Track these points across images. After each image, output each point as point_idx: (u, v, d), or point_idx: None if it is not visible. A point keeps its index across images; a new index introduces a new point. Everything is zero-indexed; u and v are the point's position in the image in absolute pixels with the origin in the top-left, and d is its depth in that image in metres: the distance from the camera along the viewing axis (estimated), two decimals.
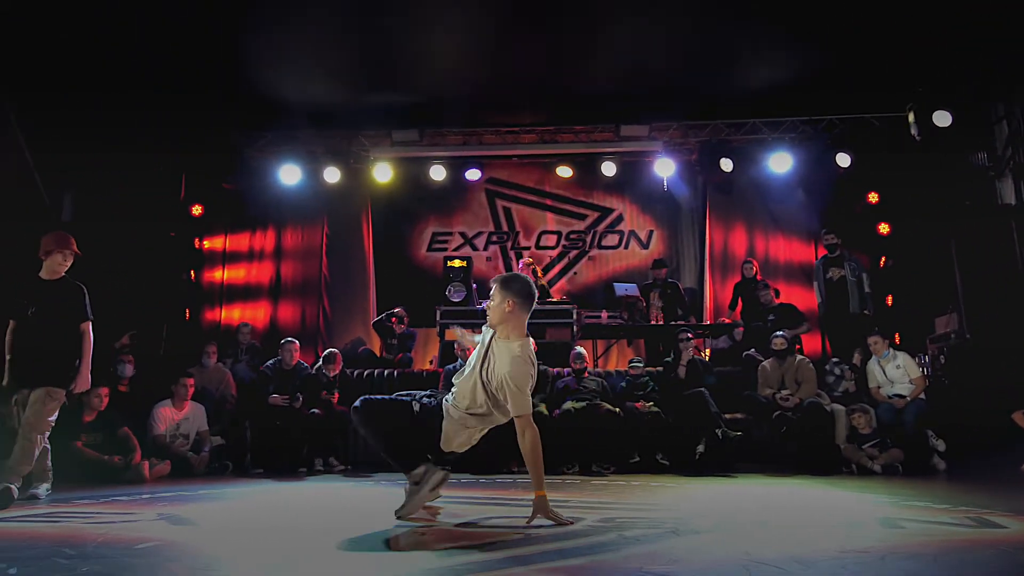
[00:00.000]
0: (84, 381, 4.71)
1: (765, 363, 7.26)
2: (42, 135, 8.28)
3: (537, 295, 3.80)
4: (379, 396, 3.96)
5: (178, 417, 6.64)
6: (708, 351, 8.89)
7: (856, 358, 7.39)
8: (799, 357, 7.22)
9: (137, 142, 9.27)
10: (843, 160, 9.13)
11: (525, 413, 3.47)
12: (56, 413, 4.63)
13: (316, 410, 6.96)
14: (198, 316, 10.41)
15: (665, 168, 9.59)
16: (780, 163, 9.39)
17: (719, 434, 6.55)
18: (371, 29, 8.05)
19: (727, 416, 6.81)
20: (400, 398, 3.88)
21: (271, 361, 7.35)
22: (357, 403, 3.77)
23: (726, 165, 9.48)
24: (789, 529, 3.42)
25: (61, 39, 7.50)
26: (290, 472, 6.64)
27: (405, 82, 9.09)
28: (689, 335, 7.31)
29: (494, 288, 3.72)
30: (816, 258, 9.61)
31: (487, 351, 3.68)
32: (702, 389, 6.81)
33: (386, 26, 7.99)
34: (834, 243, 8.31)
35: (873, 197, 9.50)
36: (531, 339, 3.85)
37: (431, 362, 8.80)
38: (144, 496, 4.73)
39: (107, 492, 4.92)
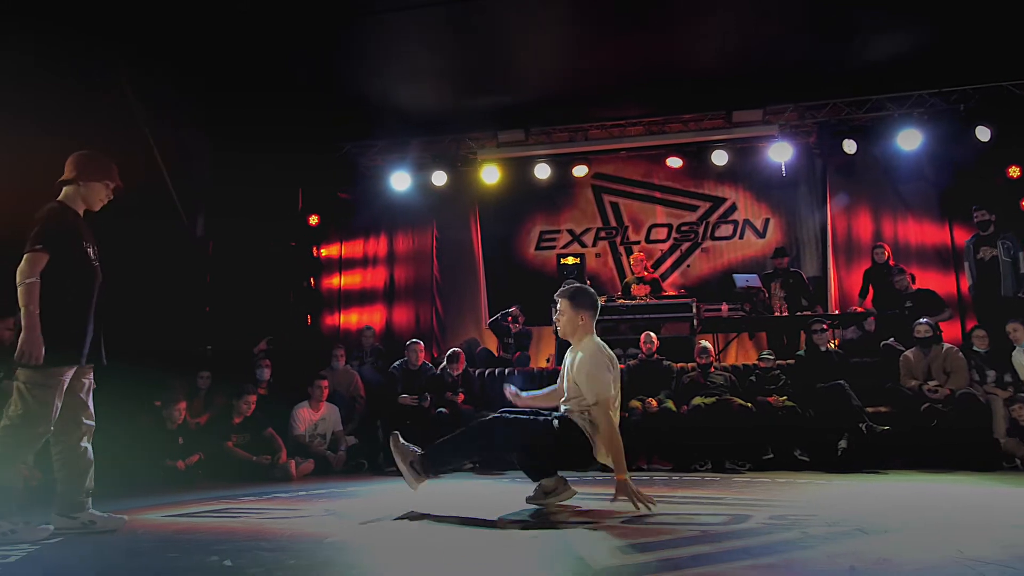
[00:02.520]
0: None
1: (908, 353, 6.83)
2: (176, 163, 8.86)
3: (601, 303, 4.06)
4: (515, 414, 4.08)
5: (315, 418, 6.91)
6: (836, 342, 8.45)
7: (983, 343, 6.83)
8: (946, 346, 6.74)
9: (256, 156, 9.77)
10: (983, 133, 8.46)
11: (600, 400, 3.68)
12: None
13: (443, 409, 7.09)
14: (318, 321, 10.85)
15: (782, 153, 9.20)
16: (909, 140, 8.80)
17: (863, 428, 6.22)
18: (474, 33, 8.15)
19: (869, 409, 6.44)
20: (537, 416, 3.98)
21: (398, 362, 7.53)
22: (496, 421, 3.95)
23: (849, 147, 8.99)
24: (985, 528, 3.18)
25: (185, 65, 7.98)
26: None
27: (509, 83, 9.14)
28: (824, 325, 6.98)
29: (562, 303, 3.96)
30: (951, 240, 9.00)
31: (569, 367, 3.93)
32: (841, 381, 6.47)
33: (488, 28, 8.06)
34: (986, 220, 7.67)
35: (1014, 171, 8.76)
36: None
37: (548, 360, 8.79)
38: (301, 493, 4.94)
39: (265, 489, 5.17)
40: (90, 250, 3.58)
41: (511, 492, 5.02)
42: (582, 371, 3.75)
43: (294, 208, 10.75)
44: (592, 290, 4.08)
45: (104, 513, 3.50)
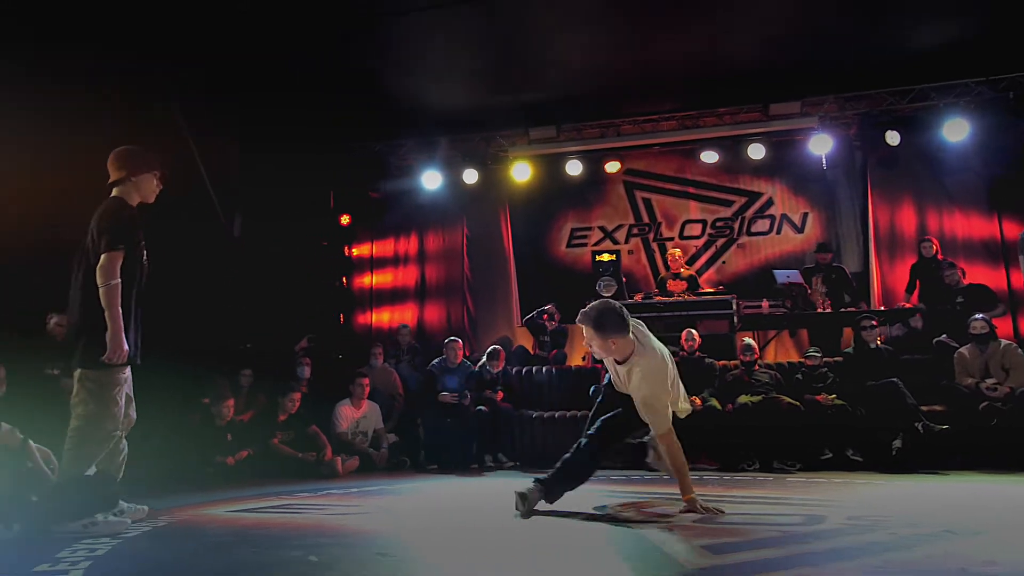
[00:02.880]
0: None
1: (963, 350, 6.64)
2: (213, 165, 8.90)
3: (627, 314, 3.74)
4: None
5: (357, 415, 6.88)
6: (882, 338, 8.26)
7: None
8: (1004, 342, 6.53)
9: (288, 157, 9.79)
10: None
11: (662, 432, 3.64)
12: None
13: (482, 407, 7.03)
14: (351, 320, 10.84)
15: (821, 145, 9.02)
16: (955, 131, 8.58)
17: (919, 428, 6.06)
18: (504, 29, 8.07)
19: (924, 408, 6.28)
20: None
21: (437, 360, 7.48)
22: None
23: (892, 138, 8.79)
24: None
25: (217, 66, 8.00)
26: (463, 468, 6.73)
27: (540, 79, 9.04)
28: (873, 321, 6.82)
29: (587, 332, 3.68)
30: (1000, 233, 8.77)
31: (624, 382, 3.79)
32: (895, 379, 6.32)
33: (519, 25, 7.98)
34: None
35: None
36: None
37: (584, 358, 8.70)
38: (353, 490, 4.90)
39: (317, 486, 5.14)
40: (144, 247, 3.57)
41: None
42: (640, 403, 3.60)
43: (326, 208, 10.75)
44: (616, 306, 3.70)
45: (129, 504, 3.53)
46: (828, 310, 8.04)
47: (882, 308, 8.34)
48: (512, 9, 7.63)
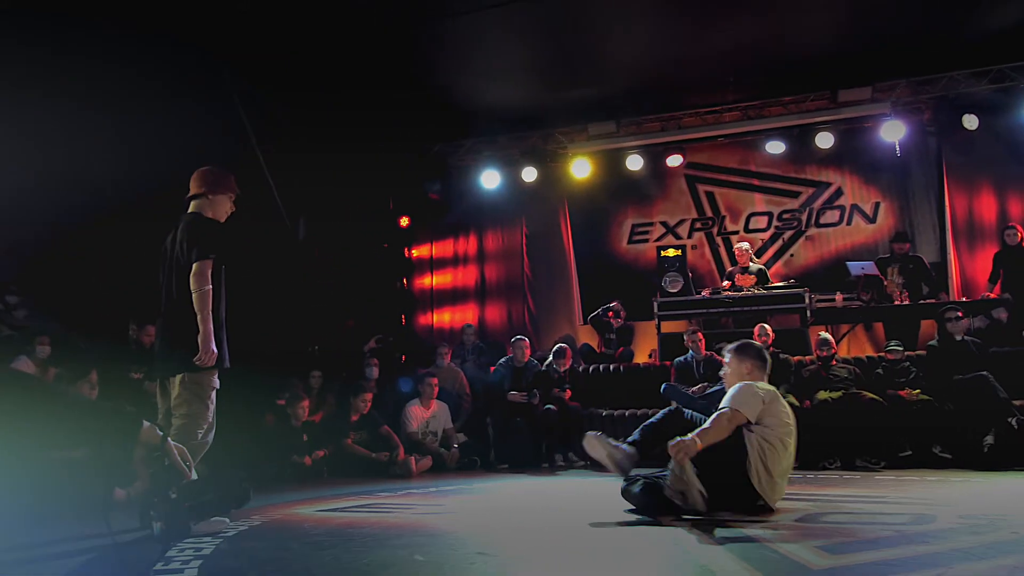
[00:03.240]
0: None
1: None
2: (280, 168, 9.10)
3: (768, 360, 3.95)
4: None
5: (427, 415, 6.92)
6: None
7: None
8: None
9: (351, 160, 9.94)
10: None
11: (731, 407, 3.60)
12: None
13: (551, 406, 6.99)
14: (412, 321, 10.94)
15: (894, 132, 8.70)
16: None
17: (1013, 423, 5.77)
18: (561, 25, 8.01)
19: (1016, 403, 5.98)
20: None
21: (504, 359, 7.48)
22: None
23: (970, 122, 8.42)
24: None
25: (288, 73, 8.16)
26: (534, 467, 6.70)
27: (599, 74, 8.96)
28: (959, 313, 6.53)
29: (729, 356, 3.95)
30: None
31: None
32: (984, 373, 6.04)
33: (576, 20, 7.91)
34: None
35: None
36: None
37: (650, 355, 8.57)
38: (432, 489, 4.92)
39: (395, 486, 5.19)
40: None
41: None
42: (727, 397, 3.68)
43: (385, 210, 10.87)
44: (758, 345, 4.02)
45: None
46: (906, 302, 7.74)
47: (963, 299, 7.98)
48: (568, 4, 7.57)
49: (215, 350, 3.45)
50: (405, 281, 11.00)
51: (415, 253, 11.18)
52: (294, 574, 2.37)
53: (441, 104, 9.33)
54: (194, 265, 3.44)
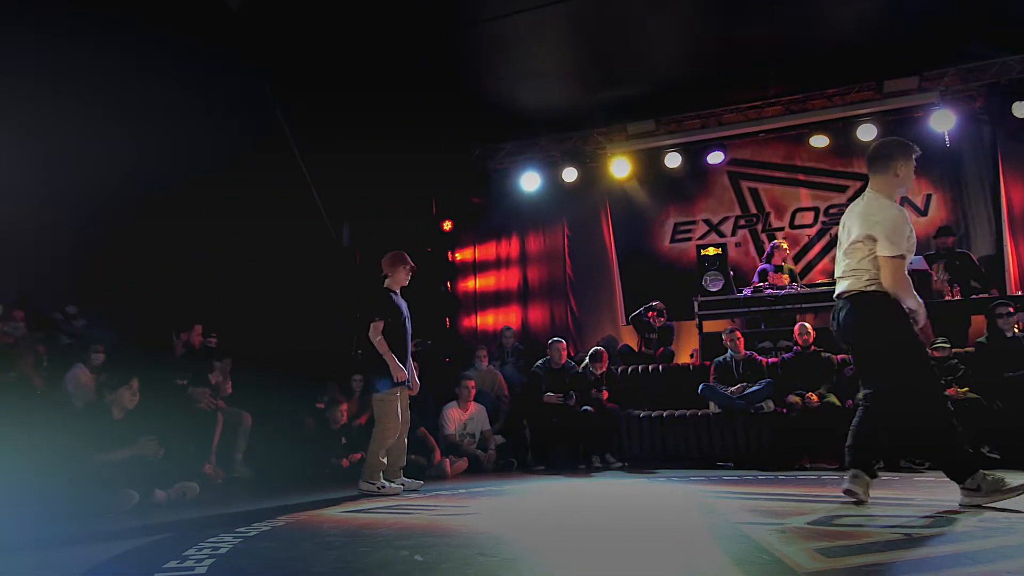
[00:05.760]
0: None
1: None
2: (322, 174, 9.41)
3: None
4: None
5: (464, 417, 7.06)
6: (1020, 326, 7.58)
7: None
8: None
9: (394, 166, 10.19)
10: None
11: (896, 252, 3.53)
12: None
13: (588, 407, 7.03)
14: (456, 323, 11.13)
15: (943, 122, 8.39)
16: None
17: None
18: (596, 25, 8.04)
19: None
20: None
21: (541, 361, 7.55)
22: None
23: (1020, 109, 8.08)
24: None
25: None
26: (570, 469, 6.76)
27: (636, 73, 8.95)
28: (1010, 308, 6.29)
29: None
30: None
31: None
32: None
33: (610, 20, 7.92)
34: None
35: None
36: None
37: (692, 355, 8.51)
38: (461, 491, 5.05)
39: (427, 487, 5.33)
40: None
41: (673, 491, 4.89)
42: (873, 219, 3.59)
43: (428, 214, 11.09)
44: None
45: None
46: (957, 297, 7.47)
47: (1019, 293, 7.65)
48: (602, 4, 7.60)
49: (404, 374, 5.24)
50: (449, 284, 11.19)
51: (458, 256, 11.36)
52: (296, 573, 2.51)
53: (480, 107, 9.48)
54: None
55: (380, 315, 5.21)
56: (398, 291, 5.45)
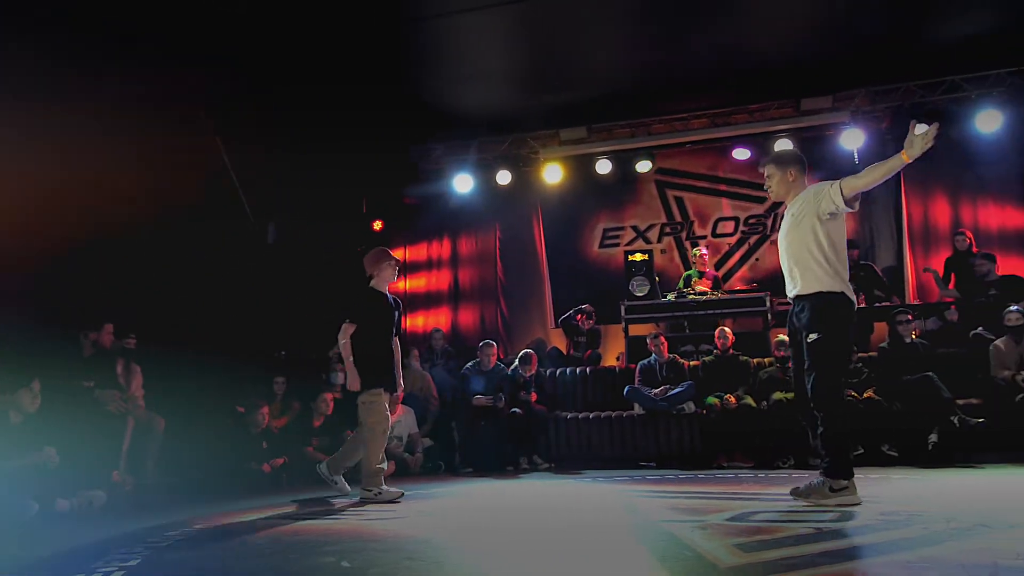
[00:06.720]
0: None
1: (998, 342, 6.54)
2: (248, 170, 9.12)
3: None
4: None
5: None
6: (917, 332, 8.13)
7: None
8: None
9: (324, 163, 10.01)
10: None
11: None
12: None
13: (517, 409, 7.10)
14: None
15: (853, 140, 8.92)
16: (988, 122, 8.43)
17: (955, 422, 5.99)
18: (535, 31, 8.12)
19: (960, 402, 6.20)
20: None
21: (471, 363, 7.58)
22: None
23: (920, 132, 8.64)
24: None
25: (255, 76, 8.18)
26: (498, 470, 6.81)
27: (571, 80, 9.07)
28: (908, 316, 6.74)
29: (768, 169, 4.19)
30: None
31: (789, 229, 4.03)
32: (929, 373, 6.25)
33: (549, 27, 8.03)
34: None
35: None
36: None
37: (618, 358, 8.72)
38: None
39: (353, 492, 5.25)
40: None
41: (598, 492, 5.01)
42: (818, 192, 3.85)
43: (359, 213, 10.94)
44: (795, 149, 4.23)
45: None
46: (862, 305, 7.94)
47: (917, 302, 8.21)
48: (542, 11, 7.69)
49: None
50: None
51: None
52: None
53: (415, 106, 9.40)
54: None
55: (352, 317, 5.00)
56: (386, 291, 5.24)
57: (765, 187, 4.28)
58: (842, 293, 3.86)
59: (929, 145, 3.48)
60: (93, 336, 5.97)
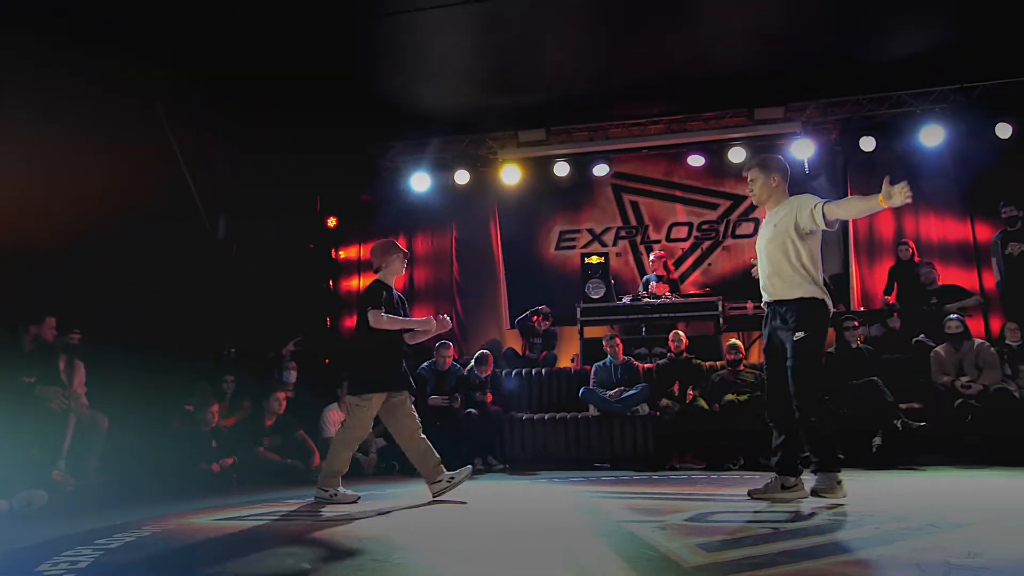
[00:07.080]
0: None
1: (939, 349, 6.82)
2: (198, 166, 8.87)
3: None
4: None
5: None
6: (861, 339, 8.41)
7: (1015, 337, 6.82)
8: (978, 341, 6.73)
9: (280, 159, 9.82)
10: (1003, 131, 8.47)
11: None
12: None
13: (472, 410, 7.07)
14: (338, 323, 10.84)
15: (803, 150, 9.18)
16: (930, 136, 8.80)
17: (898, 425, 6.21)
18: (495, 32, 8.12)
19: (903, 406, 6.43)
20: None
21: (426, 363, 7.51)
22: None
23: (867, 144, 9.01)
24: None
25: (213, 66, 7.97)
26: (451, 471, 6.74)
27: (530, 82, 9.09)
28: (855, 322, 6.96)
29: (751, 173, 4.27)
30: (973, 236, 8.99)
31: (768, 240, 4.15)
32: (875, 378, 6.46)
33: (510, 28, 8.04)
34: (1014, 216, 7.69)
35: None
36: None
37: (573, 359, 8.77)
38: None
39: (306, 492, 5.14)
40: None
41: (555, 493, 5.02)
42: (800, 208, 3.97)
43: (313, 210, 10.75)
44: (780, 157, 4.37)
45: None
46: None
47: (862, 309, 8.49)
48: (503, 12, 7.68)
49: None
50: (332, 283, 10.89)
51: (343, 254, 11.08)
52: None
53: (373, 105, 9.28)
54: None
55: (374, 304, 4.58)
56: (393, 284, 4.92)
57: (748, 189, 4.39)
58: (823, 300, 3.98)
59: (908, 200, 3.64)
60: (34, 330, 5.69)
